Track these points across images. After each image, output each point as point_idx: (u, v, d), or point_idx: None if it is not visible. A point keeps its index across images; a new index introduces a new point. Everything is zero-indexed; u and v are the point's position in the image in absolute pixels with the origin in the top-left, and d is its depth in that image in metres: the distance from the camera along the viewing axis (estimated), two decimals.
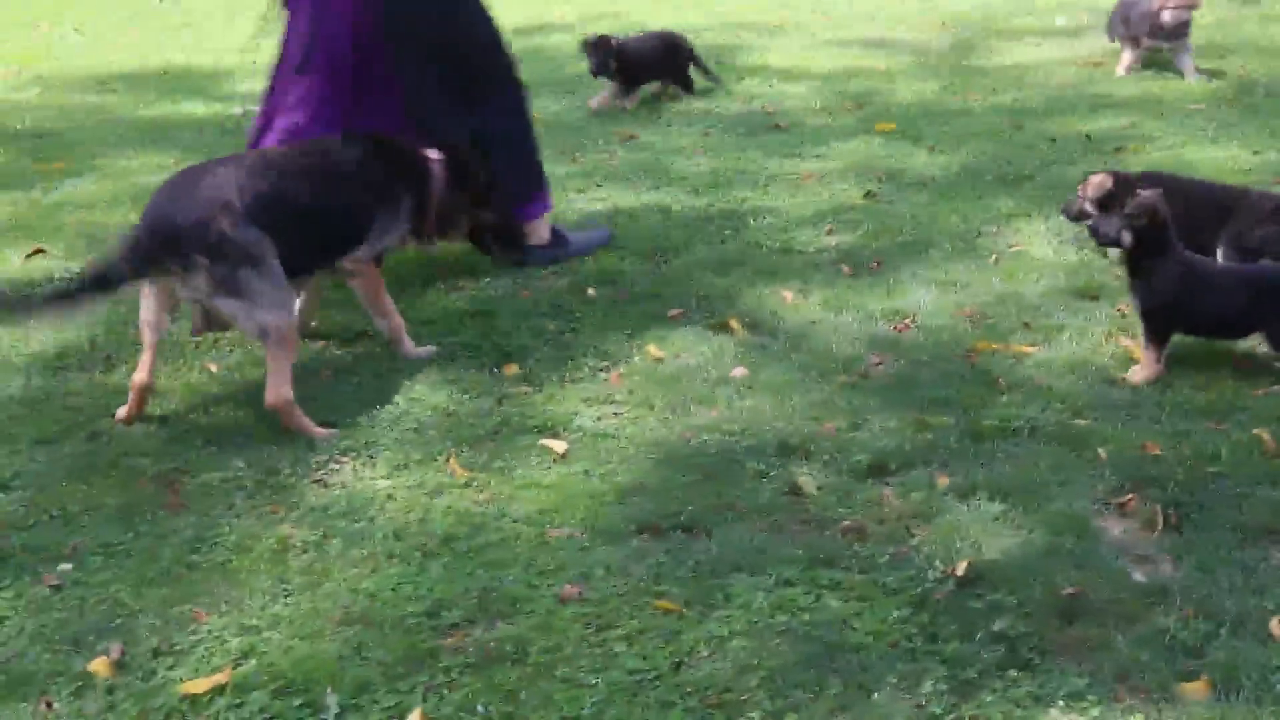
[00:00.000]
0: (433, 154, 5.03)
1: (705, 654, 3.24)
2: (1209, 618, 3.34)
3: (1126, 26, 8.84)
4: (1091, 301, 5.28)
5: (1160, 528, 3.76)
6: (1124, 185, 5.37)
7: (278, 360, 4.32)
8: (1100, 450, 4.14)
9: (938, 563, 3.59)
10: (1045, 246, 5.88)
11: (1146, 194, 4.72)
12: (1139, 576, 3.54)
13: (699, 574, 3.56)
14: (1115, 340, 4.92)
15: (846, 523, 3.80)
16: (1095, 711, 3.02)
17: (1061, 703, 3.05)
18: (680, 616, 3.38)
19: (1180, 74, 8.71)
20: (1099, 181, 5.51)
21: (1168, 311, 4.65)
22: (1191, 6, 8.40)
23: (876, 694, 3.09)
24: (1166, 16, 8.36)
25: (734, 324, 5.14)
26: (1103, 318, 5.12)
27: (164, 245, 4.18)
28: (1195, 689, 3.09)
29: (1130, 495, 3.90)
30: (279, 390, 4.32)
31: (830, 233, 6.17)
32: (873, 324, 5.15)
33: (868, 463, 4.11)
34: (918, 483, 4.01)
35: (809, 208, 6.53)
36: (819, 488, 3.99)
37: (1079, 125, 7.77)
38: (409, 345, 4.91)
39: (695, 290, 5.50)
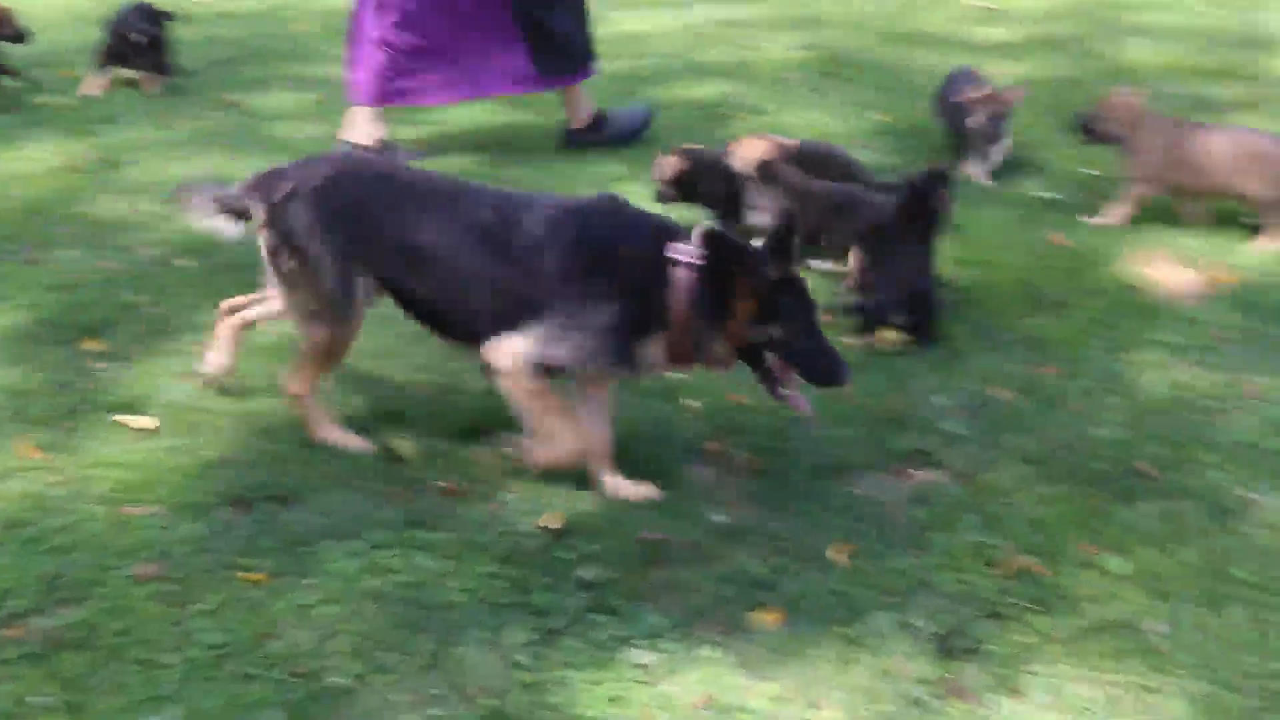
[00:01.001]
0: (684, 254, 3.62)
1: (292, 623, 3.17)
2: (782, 553, 3.53)
3: (943, 115, 7.01)
4: None
5: (743, 472, 3.94)
6: (698, 161, 5.58)
7: None
8: (693, 401, 4.29)
9: (530, 517, 3.64)
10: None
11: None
12: (719, 518, 3.70)
13: (289, 543, 3.47)
14: None
15: (442, 484, 3.80)
16: (672, 648, 3.14)
17: (642, 642, 3.15)
18: (266, 588, 3.29)
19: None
20: (670, 162, 5.64)
21: None
22: (1001, 109, 6.56)
23: (465, 649, 3.10)
24: (971, 124, 6.58)
25: None
26: None
27: (255, 187, 3.95)
28: (765, 619, 3.26)
29: (717, 444, 4.07)
30: None
31: None
32: None
33: (466, 424, 4.12)
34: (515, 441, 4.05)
35: None
36: (417, 451, 3.97)
37: (686, 92, 8.03)
38: (616, 484, 3.84)
39: None
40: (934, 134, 7.01)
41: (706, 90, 8.08)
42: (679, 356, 3.71)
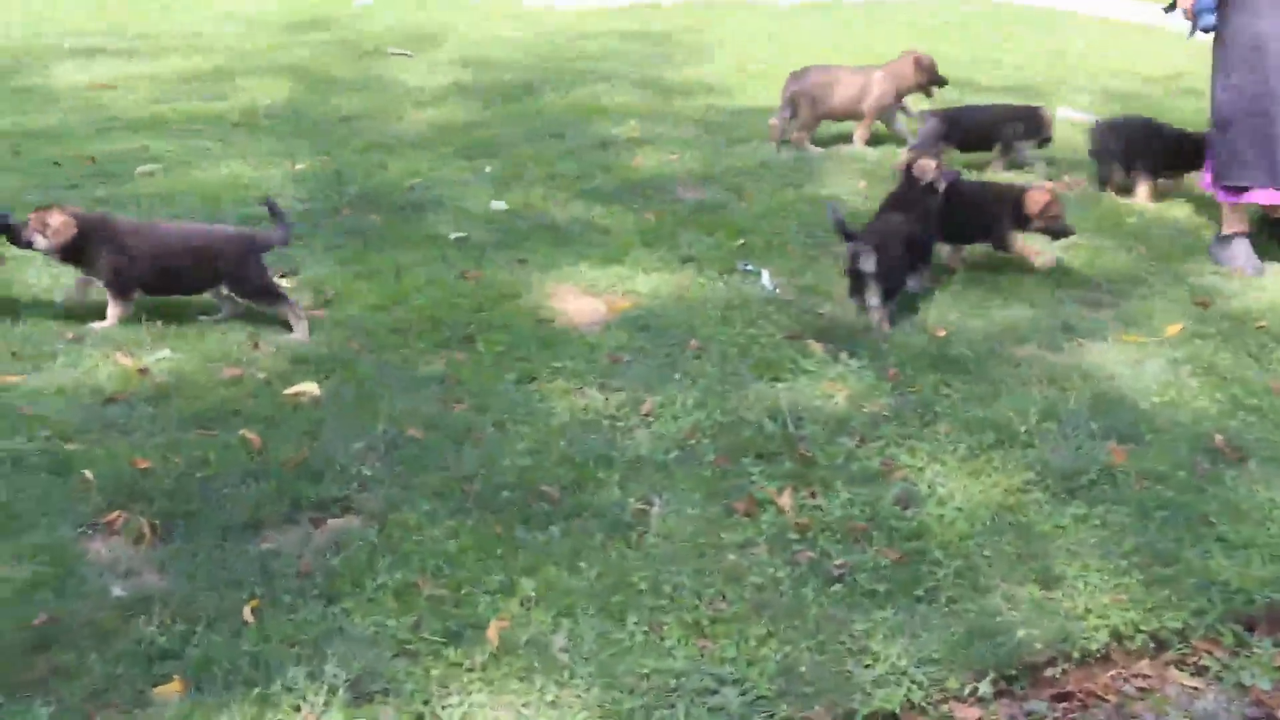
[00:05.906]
0: None
1: None
2: (188, 619, 3.39)
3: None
4: (81, 325, 5.14)
5: (147, 540, 3.75)
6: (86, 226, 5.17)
7: None
8: (87, 472, 4.03)
9: None
10: (37, 274, 5.64)
11: None
12: (120, 591, 3.50)
13: None
14: (113, 360, 4.83)
15: None
16: None
17: None
18: None
19: None
20: (59, 221, 5.17)
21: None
22: None
23: None
24: None
25: None
26: (101, 339, 5.01)
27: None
28: (169, 691, 3.11)
29: (118, 513, 3.85)
30: None
31: None
32: None
33: None
34: None
35: None
36: None
37: (86, 148, 7.59)
38: None
39: None
40: (348, 177, 7.04)
41: (113, 145, 7.67)
42: None
